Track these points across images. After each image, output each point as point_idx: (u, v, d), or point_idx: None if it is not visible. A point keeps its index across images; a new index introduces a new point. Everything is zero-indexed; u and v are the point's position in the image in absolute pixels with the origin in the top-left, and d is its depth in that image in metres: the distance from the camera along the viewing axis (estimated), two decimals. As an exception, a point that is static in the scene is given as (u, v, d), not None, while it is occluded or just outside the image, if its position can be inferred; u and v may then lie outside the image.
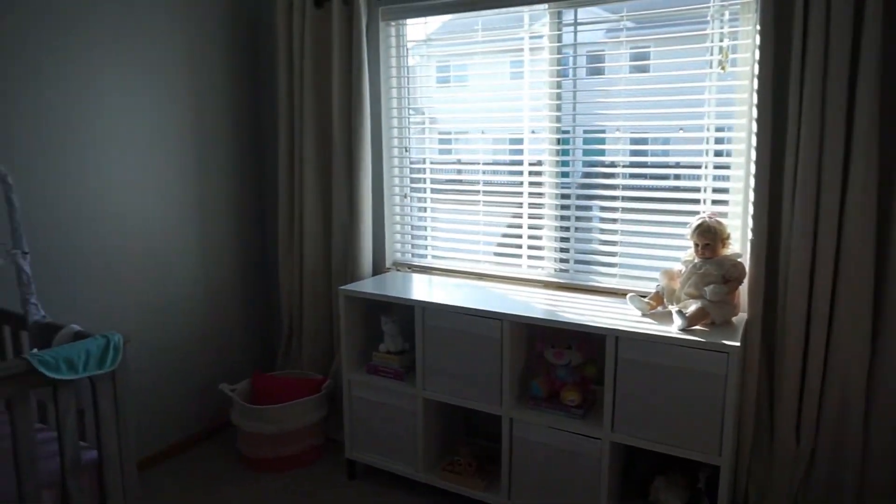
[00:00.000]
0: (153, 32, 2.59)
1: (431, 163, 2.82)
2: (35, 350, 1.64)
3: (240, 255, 3.11)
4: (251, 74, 3.06)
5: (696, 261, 2.06)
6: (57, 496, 1.73)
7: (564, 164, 2.49)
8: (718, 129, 2.16)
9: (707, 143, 2.19)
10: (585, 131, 2.47)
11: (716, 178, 2.20)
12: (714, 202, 2.19)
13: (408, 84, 2.79)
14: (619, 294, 2.36)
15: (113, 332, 1.76)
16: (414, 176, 2.86)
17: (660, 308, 2.13)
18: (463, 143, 2.80)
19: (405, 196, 2.88)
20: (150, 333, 2.71)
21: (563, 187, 2.49)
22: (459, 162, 2.79)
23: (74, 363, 1.65)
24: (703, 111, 2.18)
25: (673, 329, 1.93)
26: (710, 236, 2.02)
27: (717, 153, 2.19)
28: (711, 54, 2.15)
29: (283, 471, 2.70)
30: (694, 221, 2.07)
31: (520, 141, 2.58)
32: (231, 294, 3.08)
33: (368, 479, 2.65)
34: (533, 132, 2.55)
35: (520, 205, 2.59)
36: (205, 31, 2.81)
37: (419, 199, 2.86)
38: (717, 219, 2.06)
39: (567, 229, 2.51)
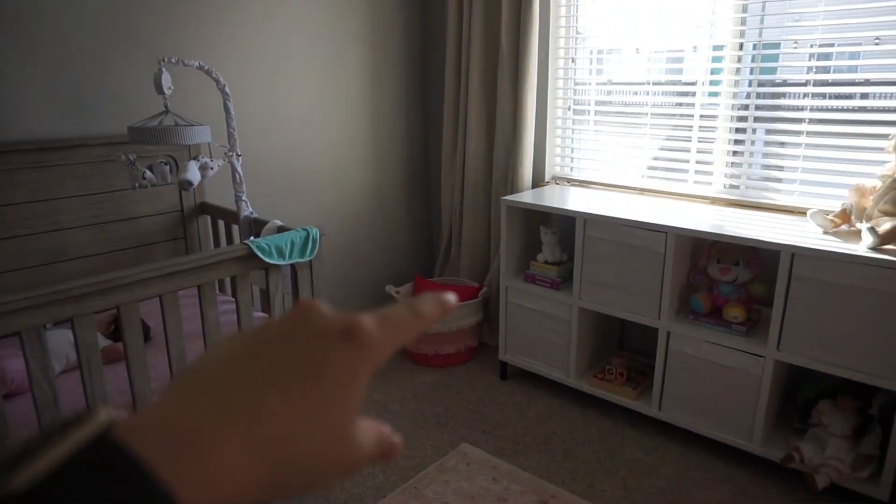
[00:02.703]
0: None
1: (596, 84, 2.76)
2: (252, 238, 1.91)
3: (406, 165, 3.31)
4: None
5: None
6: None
7: (740, 82, 2.33)
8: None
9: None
10: (764, 45, 2.28)
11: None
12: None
13: (577, 1, 2.72)
14: (795, 213, 2.23)
15: (312, 227, 2.00)
16: (577, 90, 2.82)
17: (845, 226, 2.00)
18: (627, 61, 2.70)
19: (568, 110, 2.87)
20: (329, 234, 3.01)
21: (739, 102, 2.35)
22: (617, 83, 2.70)
23: (283, 250, 1.91)
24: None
25: (861, 247, 1.82)
26: (914, 150, 1.84)
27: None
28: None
29: (442, 367, 2.95)
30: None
31: (688, 59, 2.45)
32: (397, 202, 3.31)
33: (519, 380, 2.82)
34: (695, 48, 2.41)
35: (690, 124, 2.49)
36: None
37: (581, 115, 2.84)
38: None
39: (741, 144, 2.38)
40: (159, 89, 1.86)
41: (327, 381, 0.28)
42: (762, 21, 2.26)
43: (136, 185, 1.92)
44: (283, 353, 0.28)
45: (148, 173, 1.93)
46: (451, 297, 0.34)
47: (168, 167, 1.98)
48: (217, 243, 2.48)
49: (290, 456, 0.27)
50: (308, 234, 1.97)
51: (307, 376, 0.28)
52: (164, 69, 1.85)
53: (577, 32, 2.76)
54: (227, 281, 2.52)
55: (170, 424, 0.25)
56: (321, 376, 0.28)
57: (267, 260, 1.87)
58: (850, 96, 2.15)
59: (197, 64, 1.94)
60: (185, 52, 2.32)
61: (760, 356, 2.04)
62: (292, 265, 1.99)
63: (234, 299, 1.98)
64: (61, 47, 2.05)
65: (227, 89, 2.00)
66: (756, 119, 2.33)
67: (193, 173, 1.89)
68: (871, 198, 1.93)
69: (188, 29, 2.34)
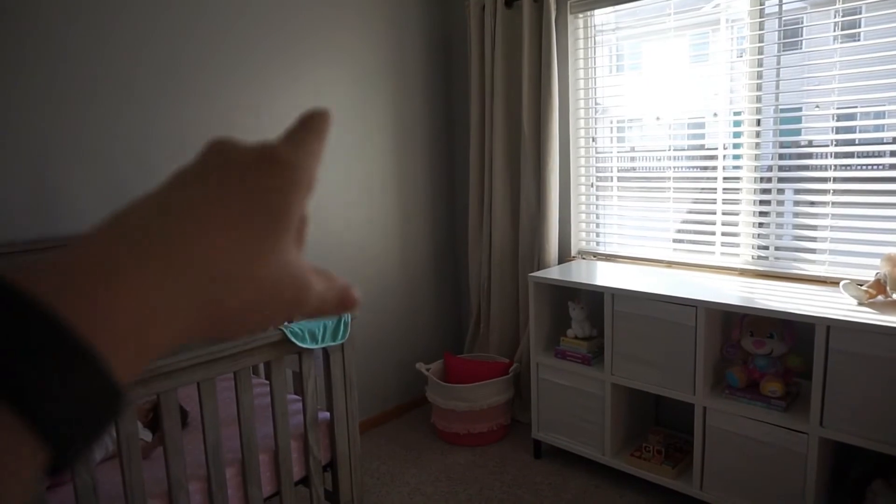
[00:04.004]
0: (361, 35, 2.92)
1: (618, 152, 2.84)
2: (286, 323, 1.96)
3: (433, 244, 3.38)
4: (444, 75, 3.29)
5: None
6: (299, 446, 2.06)
7: (762, 145, 2.38)
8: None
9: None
10: (783, 109, 2.34)
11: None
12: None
13: (595, 75, 2.83)
14: (827, 283, 2.21)
15: (343, 309, 2.04)
16: (599, 165, 2.90)
17: (881, 297, 1.97)
18: (647, 129, 2.78)
19: (591, 185, 2.93)
20: (358, 314, 3.06)
21: (762, 170, 2.39)
22: (639, 150, 2.78)
23: (316, 334, 1.95)
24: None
25: (897, 319, 1.79)
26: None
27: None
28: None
29: (473, 446, 2.90)
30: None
31: (709, 124, 2.51)
32: (425, 281, 3.36)
33: (553, 458, 2.75)
34: (715, 115, 2.48)
35: (713, 190, 2.52)
36: (405, 37, 3.09)
37: (605, 189, 2.90)
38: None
39: (767, 214, 2.40)
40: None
41: (248, 201, 0.26)
42: (777, 87, 2.31)
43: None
44: (199, 185, 0.26)
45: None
46: (321, 111, 0.31)
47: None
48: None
49: (219, 276, 0.24)
50: (340, 318, 2.01)
51: (224, 198, 0.26)
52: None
53: (597, 104, 2.85)
54: (261, 364, 2.56)
55: (71, 261, 0.22)
56: (246, 199, 0.26)
57: (300, 344, 1.91)
58: (878, 164, 2.17)
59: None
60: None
61: (803, 433, 1.98)
62: (324, 348, 2.03)
63: (267, 382, 2.01)
64: (111, 143, 2.20)
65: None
66: (780, 183, 2.35)
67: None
68: (904, 267, 1.92)
69: (221, 123, 2.48)
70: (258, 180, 0.26)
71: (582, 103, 2.87)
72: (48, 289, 0.20)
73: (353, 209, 2.99)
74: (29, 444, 0.19)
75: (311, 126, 0.30)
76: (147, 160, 2.29)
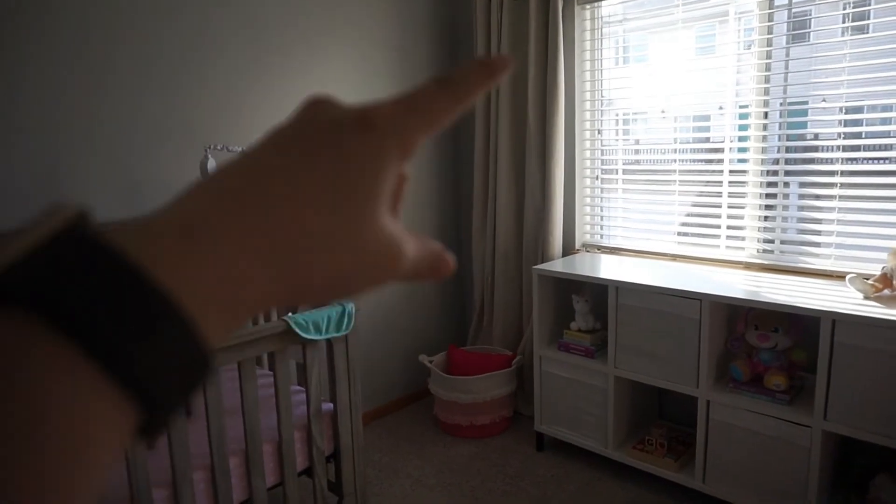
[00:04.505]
0: (366, 27, 2.91)
1: (623, 146, 2.83)
2: (290, 314, 1.96)
3: (437, 236, 3.36)
4: (450, 66, 3.28)
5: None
6: (303, 437, 2.06)
7: (768, 139, 2.37)
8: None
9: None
10: (790, 103, 2.33)
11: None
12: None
13: (601, 66, 2.82)
14: (833, 277, 2.20)
15: (347, 302, 2.04)
16: (605, 158, 2.89)
17: (887, 291, 1.96)
18: (653, 123, 2.77)
19: (596, 178, 2.92)
20: (362, 306, 3.05)
21: (768, 164, 2.37)
22: (644, 144, 2.76)
23: (320, 325, 1.95)
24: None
25: (904, 313, 1.78)
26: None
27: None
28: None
29: (476, 438, 2.91)
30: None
31: (715, 118, 2.50)
32: (427, 273, 3.35)
33: (556, 451, 2.76)
34: (721, 109, 2.46)
35: (719, 183, 2.51)
36: (411, 28, 3.08)
37: (609, 181, 2.89)
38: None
39: (773, 207, 2.39)
40: (205, 175, 1.97)
41: (345, 165, 0.25)
42: (786, 80, 2.30)
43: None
44: (293, 147, 0.25)
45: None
46: (500, 58, 0.29)
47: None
48: (255, 320, 2.54)
49: (311, 241, 0.24)
50: (344, 310, 2.01)
51: (322, 162, 0.25)
52: (209, 156, 1.96)
53: (603, 97, 2.84)
54: (265, 355, 2.56)
55: (161, 222, 0.22)
56: (338, 161, 0.25)
57: (304, 335, 1.91)
58: (885, 158, 2.16)
59: (240, 149, 2.06)
60: (229, 138, 2.45)
61: (807, 426, 1.97)
62: (328, 339, 2.03)
63: (271, 373, 2.02)
64: (116, 138, 2.19)
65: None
66: (787, 177, 2.34)
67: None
68: (911, 262, 1.91)
69: (232, 117, 2.48)
70: (352, 144, 0.25)
71: (588, 95, 2.86)
72: (138, 248, 0.20)
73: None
74: (120, 408, 0.19)
75: (449, 78, 0.28)
76: (159, 154, 2.29)
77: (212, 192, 0.23)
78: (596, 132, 2.88)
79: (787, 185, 2.35)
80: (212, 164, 1.96)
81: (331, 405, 2.11)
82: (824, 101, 2.22)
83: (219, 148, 2.01)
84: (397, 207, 0.28)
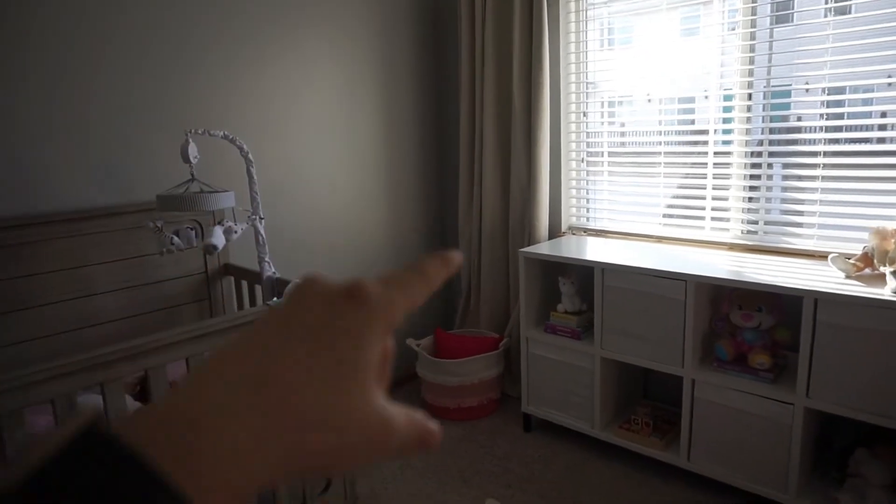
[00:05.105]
0: (349, 8, 2.86)
1: (608, 130, 2.82)
2: (274, 299, 1.94)
3: (423, 219, 3.36)
4: (434, 49, 3.25)
5: (912, 219, 1.89)
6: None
7: (752, 122, 2.37)
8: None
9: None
10: (774, 86, 2.33)
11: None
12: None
13: (586, 49, 2.80)
14: (815, 257, 2.23)
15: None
16: (590, 141, 2.88)
17: (868, 270, 1.99)
18: (638, 106, 2.76)
19: (582, 160, 2.92)
20: (348, 291, 3.04)
21: (752, 145, 2.38)
22: (630, 128, 2.76)
23: (305, 310, 1.93)
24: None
25: (885, 292, 1.80)
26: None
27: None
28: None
29: (463, 420, 2.92)
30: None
31: (699, 102, 2.50)
32: (415, 257, 3.34)
33: (543, 432, 2.78)
34: (706, 93, 2.46)
35: (704, 165, 2.52)
36: (394, 11, 3.04)
37: (595, 164, 2.89)
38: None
39: (757, 189, 2.40)
40: (185, 158, 1.94)
41: (336, 342, 0.27)
42: (770, 61, 2.30)
43: (164, 250, 1.98)
44: (287, 326, 0.27)
45: (175, 239, 1.99)
46: (455, 254, 0.34)
47: (193, 232, 2.04)
48: (240, 304, 2.52)
49: (306, 422, 0.25)
50: (330, 293, 2.00)
51: (313, 340, 0.26)
52: (190, 140, 1.93)
53: (588, 82, 2.83)
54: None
55: (165, 411, 0.24)
56: (329, 338, 0.27)
57: (290, 320, 1.90)
58: (867, 139, 2.17)
59: (222, 134, 2.02)
60: (209, 122, 2.41)
61: (789, 404, 2.00)
62: (315, 324, 2.02)
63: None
64: (90, 120, 2.15)
65: (250, 156, 2.08)
66: (770, 164, 2.35)
67: (218, 238, 1.94)
68: (893, 241, 1.93)
69: (211, 100, 2.44)
70: (344, 319, 0.27)
71: (573, 78, 2.85)
72: (143, 437, 0.22)
73: (343, 184, 2.96)
74: None
75: (420, 266, 0.32)
76: (138, 138, 2.25)
77: (215, 383, 0.25)
78: (581, 115, 2.87)
79: (770, 166, 2.36)
80: (193, 148, 1.93)
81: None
82: (807, 83, 2.23)
83: (200, 132, 1.98)
84: (383, 381, 0.30)
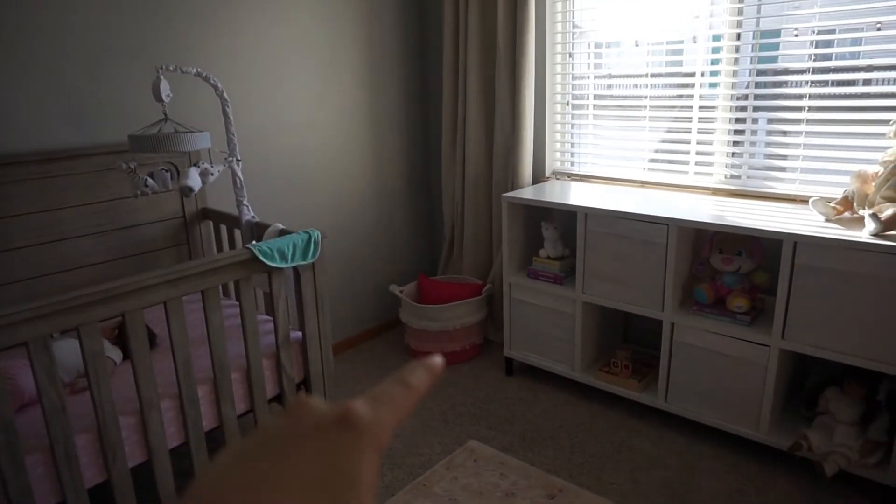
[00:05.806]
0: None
1: (595, 76, 2.76)
2: (254, 242, 1.92)
3: (407, 164, 3.31)
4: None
5: None
6: (272, 365, 2.07)
7: (740, 67, 2.33)
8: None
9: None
10: (763, 33, 2.28)
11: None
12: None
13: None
14: (797, 201, 2.23)
15: (313, 229, 2.00)
16: (576, 84, 2.82)
17: (847, 213, 1.99)
18: (625, 50, 2.70)
19: (567, 104, 2.86)
20: (332, 236, 3.02)
21: (739, 89, 2.35)
22: (616, 75, 2.70)
23: (285, 253, 1.91)
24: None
25: (864, 234, 1.82)
26: (914, 134, 1.83)
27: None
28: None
29: (446, 365, 2.96)
30: None
31: (688, 46, 2.45)
32: (399, 202, 3.31)
33: (525, 376, 2.83)
34: (694, 39, 2.41)
35: (690, 108, 2.49)
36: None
37: (580, 108, 2.84)
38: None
39: (741, 133, 2.38)
40: (158, 97, 1.87)
41: (331, 470, 0.27)
42: (759, 10, 2.25)
43: (138, 193, 1.93)
44: (282, 455, 0.28)
45: (149, 181, 1.94)
46: (437, 359, 0.35)
47: (169, 174, 1.99)
48: (220, 248, 2.49)
49: None
50: (310, 237, 1.98)
51: (309, 470, 0.27)
52: (162, 77, 1.86)
53: (575, 26, 2.75)
54: (231, 285, 2.53)
55: None
56: (325, 466, 0.27)
57: (269, 263, 1.88)
58: (852, 82, 2.14)
59: (195, 71, 1.95)
60: (183, 59, 2.32)
61: (765, 345, 2.04)
62: (295, 268, 2.00)
63: (237, 303, 1.99)
64: (56, 57, 2.06)
65: (225, 95, 2.01)
66: (756, 108, 2.33)
67: (194, 179, 1.89)
68: (874, 184, 1.93)
69: (185, 36, 2.34)
70: (335, 443, 0.28)
71: (559, 17, 2.76)
72: None
73: (327, 131, 2.89)
74: None
75: (406, 379, 0.33)
76: (107, 74, 2.16)
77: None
78: (567, 56, 2.81)
79: (756, 110, 2.33)
80: (165, 86, 1.86)
81: (299, 333, 2.11)
82: (797, 31, 2.18)
83: (171, 69, 1.90)
84: (371, 495, 0.30)
